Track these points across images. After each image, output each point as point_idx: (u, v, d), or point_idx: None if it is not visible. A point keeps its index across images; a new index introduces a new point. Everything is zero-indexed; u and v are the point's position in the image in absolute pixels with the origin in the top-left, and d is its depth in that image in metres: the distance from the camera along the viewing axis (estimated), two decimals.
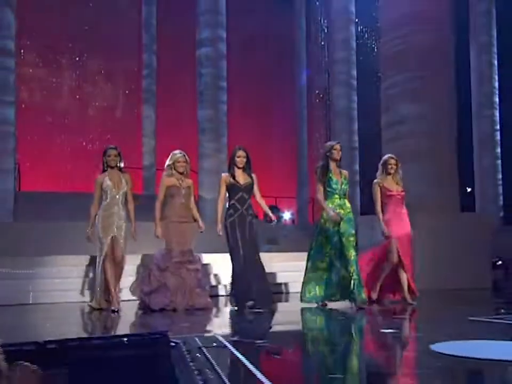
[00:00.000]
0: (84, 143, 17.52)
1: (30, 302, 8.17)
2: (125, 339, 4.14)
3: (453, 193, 11.29)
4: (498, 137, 16.84)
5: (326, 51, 16.46)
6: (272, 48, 18.36)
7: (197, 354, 3.82)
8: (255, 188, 7.19)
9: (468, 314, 5.82)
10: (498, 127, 16.87)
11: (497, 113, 16.83)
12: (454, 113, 11.60)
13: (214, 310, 7.31)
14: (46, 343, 3.93)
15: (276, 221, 7.46)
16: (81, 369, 3.61)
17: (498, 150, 16.85)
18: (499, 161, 16.83)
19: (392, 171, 7.51)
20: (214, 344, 4.39)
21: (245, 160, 7.08)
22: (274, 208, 16.18)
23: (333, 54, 15.47)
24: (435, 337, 4.30)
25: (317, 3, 17.81)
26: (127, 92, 18.04)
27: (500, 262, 11.62)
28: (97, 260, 6.98)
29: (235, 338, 4.91)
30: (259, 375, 3.21)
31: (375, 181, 7.59)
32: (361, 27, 17.19)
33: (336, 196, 7.08)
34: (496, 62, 16.85)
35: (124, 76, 17.62)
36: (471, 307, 7.37)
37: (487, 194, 16.62)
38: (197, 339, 4.43)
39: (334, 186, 7.07)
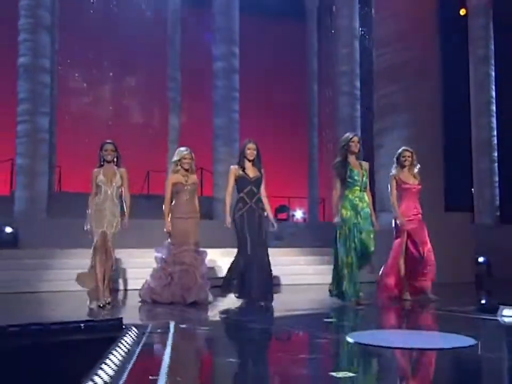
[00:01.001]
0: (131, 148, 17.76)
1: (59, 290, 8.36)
2: (82, 324, 4.29)
3: (438, 195, 11.21)
4: (495, 142, 16.50)
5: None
6: (284, 61, 18.27)
7: (140, 338, 3.94)
8: (263, 184, 6.63)
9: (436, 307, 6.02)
10: (495, 133, 16.51)
11: (494, 120, 16.50)
12: (438, 121, 11.54)
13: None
14: (8, 326, 4.07)
15: (275, 227, 6.74)
16: (39, 352, 3.71)
17: (495, 154, 16.52)
18: (496, 165, 16.48)
19: (407, 164, 6.90)
20: (159, 330, 4.48)
21: (255, 152, 6.54)
22: (284, 207, 16.20)
23: (338, 66, 15.39)
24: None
25: (330, 20, 17.61)
26: (155, 102, 18.22)
27: (482, 259, 11.31)
28: (91, 254, 6.47)
29: (184, 326, 4.97)
30: (165, 358, 3.23)
31: (390, 174, 7.02)
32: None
33: (357, 188, 6.44)
34: (493, 73, 16.48)
35: (152, 88, 17.80)
36: (448, 299, 7.18)
37: (484, 195, 16.32)
38: (150, 325, 4.66)
39: (355, 177, 6.44)
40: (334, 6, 15.89)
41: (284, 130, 18.71)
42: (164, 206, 6.85)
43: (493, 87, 16.57)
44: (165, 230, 6.75)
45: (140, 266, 8.50)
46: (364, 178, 6.49)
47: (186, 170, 6.78)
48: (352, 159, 6.50)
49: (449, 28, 16.85)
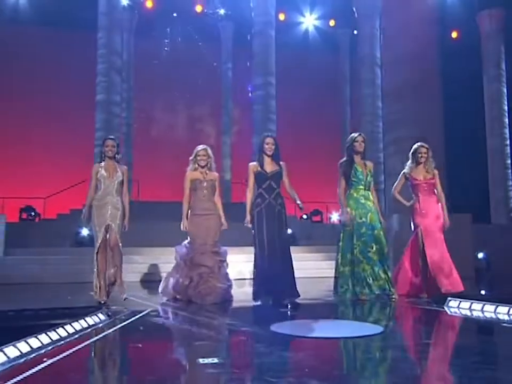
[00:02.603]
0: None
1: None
2: (67, 311, 4.46)
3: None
4: (508, 151, 15.85)
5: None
6: (319, 87, 18.20)
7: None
8: (284, 176, 5.67)
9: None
10: (508, 142, 15.87)
11: (507, 131, 15.87)
12: (441, 134, 11.20)
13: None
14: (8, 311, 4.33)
15: (302, 208, 5.71)
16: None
17: (509, 161, 15.90)
18: (509, 171, 15.86)
19: (422, 160, 5.96)
20: (133, 317, 4.42)
21: (273, 147, 5.64)
22: (317, 211, 16.13)
23: (362, 90, 15.25)
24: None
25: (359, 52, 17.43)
26: (211, 125, 18.58)
27: (482, 255, 10.89)
28: (94, 251, 5.54)
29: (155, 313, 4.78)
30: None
31: (403, 171, 6.13)
32: None
33: (361, 187, 5.80)
34: (505, 89, 15.85)
35: (209, 113, 18.18)
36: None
37: (498, 198, 15.66)
38: (125, 311, 4.67)
39: (360, 176, 5.80)
40: (357, 37, 15.75)
41: (320, 145, 18.63)
42: (183, 204, 5.81)
43: (505, 101, 15.96)
44: (182, 229, 5.74)
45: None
46: (368, 178, 5.84)
47: (203, 167, 5.81)
48: (357, 158, 5.87)
49: (467, 50, 16.41)
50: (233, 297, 5.74)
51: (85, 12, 14.28)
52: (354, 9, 15.84)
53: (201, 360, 2.71)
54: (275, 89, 14.59)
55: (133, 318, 4.30)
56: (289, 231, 12.62)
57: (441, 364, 2.83)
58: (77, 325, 3.70)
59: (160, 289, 5.80)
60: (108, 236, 5.49)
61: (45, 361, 2.72)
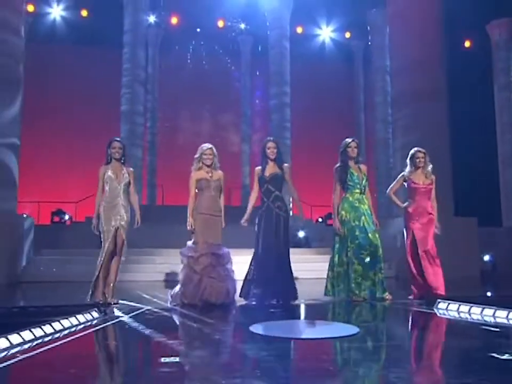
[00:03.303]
0: None
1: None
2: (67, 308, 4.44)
3: (448, 201, 10.62)
4: None
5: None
6: (333, 95, 17.98)
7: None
8: (287, 177, 5.49)
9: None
10: None
11: None
12: (446, 137, 10.93)
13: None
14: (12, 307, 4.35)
15: (300, 212, 5.64)
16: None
17: None
18: None
19: (421, 164, 5.71)
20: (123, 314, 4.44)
21: (275, 151, 5.49)
22: (331, 214, 15.85)
23: (374, 98, 15.02)
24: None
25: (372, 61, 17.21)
26: (231, 133, 18.56)
27: (487, 257, 10.54)
28: (101, 251, 5.25)
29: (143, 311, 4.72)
30: None
31: (402, 173, 5.87)
32: None
33: (357, 191, 5.58)
34: None
35: (230, 123, 18.17)
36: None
37: (510, 202, 15.15)
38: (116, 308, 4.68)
39: (356, 180, 5.59)
40: (370, 48, 15.55)
41: (335, 150, 18.28)
42: (188, 204, 5.44)
43: None
44: (187, 227, 5.37)
45: None
46: (364, 181, 5.64)
47: (209, 166, 5.42)
48: (351, 163, 5.68)
49: (477, 60, 16.02)
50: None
51: (112, 29, 14.49)
52: (367, 22, 15.69)
53: (162, 359, 2.60)
54: (290, 98, 14.47)
55: (113, 321, 4.15)
56: (302, 233, 12.35)
57: (398, 364, 2.65)
58: (66, 322, 3.65)
59: (169, 296, 5.40)
60: (116, 238, 5.23)
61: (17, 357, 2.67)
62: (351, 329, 3.47)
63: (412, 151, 5.89)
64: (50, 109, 16.49)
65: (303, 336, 3.29)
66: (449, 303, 4.87)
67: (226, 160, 20.39)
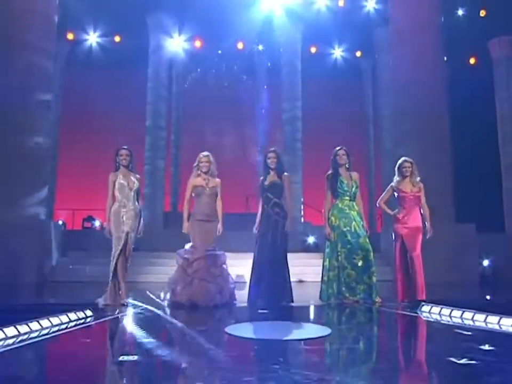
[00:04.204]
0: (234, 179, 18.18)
1: None
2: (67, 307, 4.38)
3: (449, 209, 10.37)
4: None
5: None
6: (343, 109, 17.73)
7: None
8: (284, 188, 5.39)
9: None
10: None
11: None
12: (447, 147, 10.65)
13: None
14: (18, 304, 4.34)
15: (287, 226, 5.34)
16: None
17: None
18: None
19: (407, 174, 5.52)
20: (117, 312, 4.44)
21: (275, 160, 5.40)
22: None
23: (381, 110, 14.76)
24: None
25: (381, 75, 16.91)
26: (250, 145, 18.41)
27: (486, 261, 10.16)
28: (112, 255, 5.07)
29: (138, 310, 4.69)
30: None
31: (391, 184, 5.69)
32: None
33: (346, 198, 5.43)
34: None
35: (248, 135, 18.14)
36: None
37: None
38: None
39: (345, 188, 5.43)
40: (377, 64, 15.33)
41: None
42: (184, 209, 5.35)
43: None
44: (183, 231, 5.26)
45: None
46: (353, 189, 5.46)
47: (206, 173, 5.30)
48: (342, 171, 5.51)
49: (480, 74, 15.62)
50: (236, 299, 5.28)
51: (139, 52, 14.72)
52: (374, 40, 15.51)
53: (120, 358, 2.49)
54: (303, 111, 14.38)
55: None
56: (313, 239, 12.07)
57: (345, 367, 2.50)
58: (55, 320, 3.60)
59: (162, 295, 5.29)
60: (126, 243, 5.06)
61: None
62: (323, 331, 3.32)
63: (400, 161, 5.72)
64: (86, 125, 16.77)
65: (271, 338, 3.12)
66: (432, 306, 4.68)
67: (244, 171, 20.57)
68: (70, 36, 15.83)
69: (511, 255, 11.24)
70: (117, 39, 16.29)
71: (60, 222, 15.91)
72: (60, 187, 15.85)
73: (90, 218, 14.08)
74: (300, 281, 8.59)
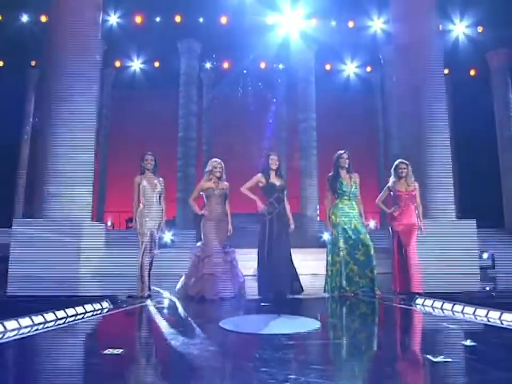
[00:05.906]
0: None
1: None
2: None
3: (449, 205, 9.84)
4: None
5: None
6: (356, 120, 17.24)
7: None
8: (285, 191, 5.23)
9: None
10: None
11: None
12: (447, 151, 10.07)
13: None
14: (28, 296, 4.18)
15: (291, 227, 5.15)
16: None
17: None
18: None
19: (403, 175, 5.27)
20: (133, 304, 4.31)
21: (277, 162, 5.21)
22: None
23: (389, 119, 14.26)
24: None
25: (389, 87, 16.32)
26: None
27: (486, 254, 9.55)
28: (139, 253, 4.98)
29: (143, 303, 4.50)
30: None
31: (387, 184, 5.44)
32: None
33: (346, 198, 5.18)
34: None
35: (271, 144, 17.74)
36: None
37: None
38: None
39: (344, 189, 5.18)
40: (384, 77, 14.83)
41: (355, 166, 17.55)
42: (190, 203, 5.26)
43: None
44: (199, 212, 5.12)
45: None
46: (353, 189, 5.20)
47: (218, 178, 5.20)
48: (343, 173, 5.27)
49: (480, 82, 14.94)
50: (246, 292, 5.03)
51: (171, 73, 14.75)
52: (380, 56, 15.02)
53: (104, 351, 2.29)
54: (317, 122, 14.09)
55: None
56: (327, 235, 11.75)
57: (324, 361, 2.22)
58: (71, 311, 3.46)
59: (176, 289, 5.07)
60: (151, 239, 4.92)
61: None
62: (311, 325, 3.05)
63: (396, 163, 5.45)
64: (129, 138, 16.91)
65: (261, 332, 2.86)
66: (425, 299, 4.35)
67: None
68: (117, 64, 16.07)
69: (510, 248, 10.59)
70: (156, 64, 16.39)
71: (109, 223, 16.16)
72: (110, 192, 16.06)
73: (131, 220, 14.10)
74: (314, 274, 8.33)
